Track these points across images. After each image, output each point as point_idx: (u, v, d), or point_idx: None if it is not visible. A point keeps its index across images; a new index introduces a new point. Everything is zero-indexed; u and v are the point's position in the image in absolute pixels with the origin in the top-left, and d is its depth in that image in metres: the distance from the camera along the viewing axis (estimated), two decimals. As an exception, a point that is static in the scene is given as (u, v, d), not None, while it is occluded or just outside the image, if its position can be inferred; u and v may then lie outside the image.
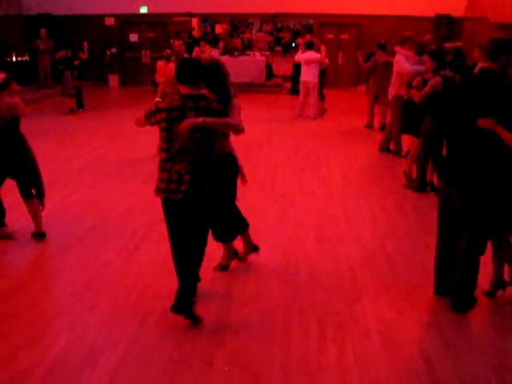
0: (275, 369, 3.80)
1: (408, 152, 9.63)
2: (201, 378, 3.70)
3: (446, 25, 17.25)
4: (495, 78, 4.17)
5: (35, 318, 4.40)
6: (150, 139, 10.19)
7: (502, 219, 4.44)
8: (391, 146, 9.92)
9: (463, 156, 4.30)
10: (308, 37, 14.55)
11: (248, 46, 20.55)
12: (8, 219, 6.04)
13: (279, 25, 34.11)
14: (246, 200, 6.44)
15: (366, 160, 9.52)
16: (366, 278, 5.15)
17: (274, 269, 5.28)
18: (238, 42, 19.74)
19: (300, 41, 14.60)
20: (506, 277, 4.77)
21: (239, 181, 5.08)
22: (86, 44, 13.80)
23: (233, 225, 5.13)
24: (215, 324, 4.35)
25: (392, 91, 9.54)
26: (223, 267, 5.23)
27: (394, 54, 12.64)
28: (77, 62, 13.40)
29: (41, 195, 5.88)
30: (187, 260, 4.33)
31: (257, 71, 18.11)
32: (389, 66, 12.19)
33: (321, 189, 7.88)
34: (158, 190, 4.22)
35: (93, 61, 14.23)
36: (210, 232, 4.62)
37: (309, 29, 23.87)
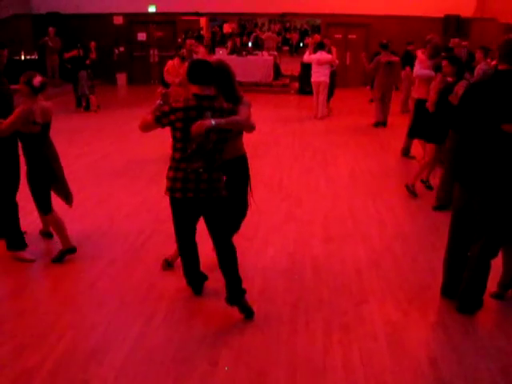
0: (280, 369, 3.79)
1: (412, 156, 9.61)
2: (206, 378, 3.70)
3: (454, 25, 17.19)
4: None
5: (41, 316, 4.41)
6: (157, 139, 10.20)
7: None
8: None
9: (486, 162, 4.21)
10: (316, 37, 14.52)
11: (259, 46, 20.54)
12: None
13: (287, 25, 34.09)
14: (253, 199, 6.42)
15: (374, 159, 9.48)
16: (373, 278, 5.13)
17: (280, 268, 5.27)
18: (248, 40, 19.75)
19: (309, 41, 14.57)
20: (514, 279, 4.75)
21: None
22: (93, 44, 13.84)
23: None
24: (220, 323, 4.35)
25: (415, 94, 9.52)
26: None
27: (397, 54, 12.76)
28: (88, 62, 13.47)
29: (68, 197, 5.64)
30: (195, 257, 4.63)
31: (264, 71, 18.09)
32: (391, 65, 12.27)
33: (328, 188, 7.86)
34: (173, 190, 4.23)
35: (101, 59, 14.25)
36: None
37: (317, 29, 23.84)
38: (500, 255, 4.63)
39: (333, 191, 7.75)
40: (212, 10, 18.49)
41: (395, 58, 12.37)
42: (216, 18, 24.87)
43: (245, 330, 4.26)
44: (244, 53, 18.73)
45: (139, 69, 19.19)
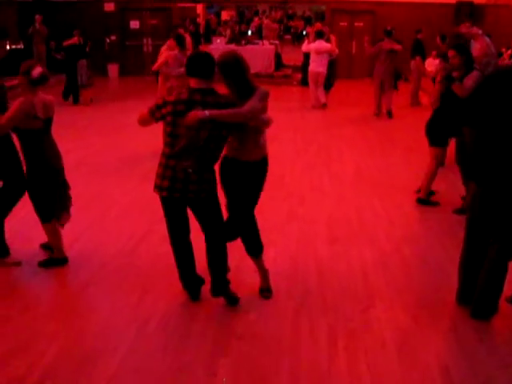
0: (283, 378, 3.80)
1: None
2: (203, 388, 3.71)
3: (467, 12, 17.18)
4: None
5: (29, 322, 4.41)
6: (151, 134, 10.18)
7: None
8: None
9: (506, 159, 4.20)
10: (318, 25, 14.58)
11: (261, 34, 20.53)
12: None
13: (290, 11, 34.06)
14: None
15: (381, 155, 9.48)
16: (380, 282, 5.13)
17: (282, 271, 5.26)
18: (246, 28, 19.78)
19: (309, 30, 14.64)
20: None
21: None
22: (76, 32, 13.69)
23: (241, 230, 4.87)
24: (219, 330, 4.35)
25: None
26: (265, 289, 4.88)
27: (401, 43, 12.90)
28: (88, 50, 13.54)
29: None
30: (191, 258, 4.65)
31: (265, 61, 18.09)
32: (393, 53, 12.36)
33: (332, 186, 7.86)
34: (160, 188, 4.29)
35: (91, 49, 14.23)
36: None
37: (321, 16, 23.83)
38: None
39: (338, 189, 7.75)
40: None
41: (398, 46, 12.44)
42: (213, 5, 24.84)
43: (245, 336, 4.26)
44: (243, 42, 18.72)
45: (132, 59, 19.17)
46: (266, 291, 4.85)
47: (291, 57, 20.03)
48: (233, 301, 4.65)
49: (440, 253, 5.73)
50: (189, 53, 9.30)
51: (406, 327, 4.41)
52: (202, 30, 19.86)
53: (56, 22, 16.77)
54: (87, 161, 8.98)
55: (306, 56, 15.58)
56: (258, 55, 17.99)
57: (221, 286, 4.62)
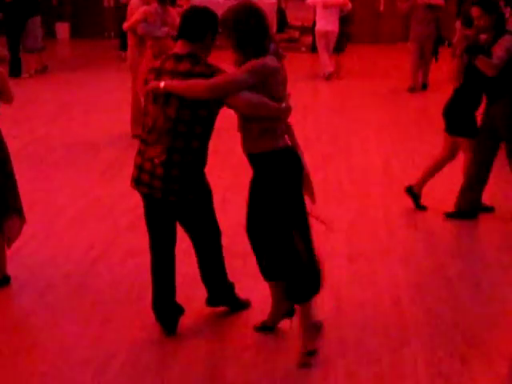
0: None
1: None
2: None
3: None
4: None
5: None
6: (112, 114, 10.17)
7: None
8: None
9: None
10: None
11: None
12: None
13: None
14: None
15: (417, 144, 9.49)
16: (417, 312, 5.14)
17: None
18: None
19: None
20: None
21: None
22: None
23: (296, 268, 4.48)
24: (202, 374, 4.34)
25: None
26: (309, 353, 4.46)
27: None
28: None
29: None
30: (171, 278, 4.69)
31: (264, 20, 18.10)
32: (433, 10, 12.40)
33: (354, 185, 7.87)
34: (132, 178, 4.53)
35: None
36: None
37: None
38: None
39: (360, 189, 7.76)
40: None
41: (438, 1, 12.49)
42: None
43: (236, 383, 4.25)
44: (235, -6, 18.71)
45: (87, 17, 19.16)
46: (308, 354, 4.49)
47: (299, 15, 19.99)
48: (241, 306, 4.98)
49: (497, 274, 5.75)
50: (170, 8, 9.37)
51: (451, 372, 4.40)
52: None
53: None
54: (28, 151, 8.97)
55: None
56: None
57: (221, 294, 4.89)
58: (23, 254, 5.95)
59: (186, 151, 4.30)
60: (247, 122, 4.31)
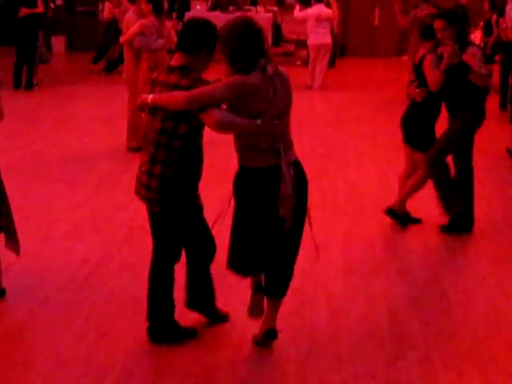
0: None
1: None
2: None
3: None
4: None
5: None
6: (109, 127, 10.18)
7: None
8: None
9: None
10: None
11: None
12: None
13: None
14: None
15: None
16: (413, 325, 5.13)
17: (283, 311, 5.23)
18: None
19: None
20: None
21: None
22: None
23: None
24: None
25: None
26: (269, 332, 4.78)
27: (441, 9, 12.99)
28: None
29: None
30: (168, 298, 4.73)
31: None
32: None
33: (349, 199, 7.88)
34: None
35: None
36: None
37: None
38: None
39: (356, 203, 7.76)
40: None
41: None
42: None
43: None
44: (231, 8, 18.71)
45: (83, 30, 19.17)
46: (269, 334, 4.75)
47: (295, 28, 20.04)
48: (219, 319, 4.96)
49: (490, 287, 5.75)
50: (166, 21, 9.44)
51: (447, 385, 4.40)
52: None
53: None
54: (24, 165, 8.96)
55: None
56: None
57: (201, 299, 4.91)
58: (18, 267, 5.94)
59: (167, 163, 4.37)
60: (234, 136, 4.41)
